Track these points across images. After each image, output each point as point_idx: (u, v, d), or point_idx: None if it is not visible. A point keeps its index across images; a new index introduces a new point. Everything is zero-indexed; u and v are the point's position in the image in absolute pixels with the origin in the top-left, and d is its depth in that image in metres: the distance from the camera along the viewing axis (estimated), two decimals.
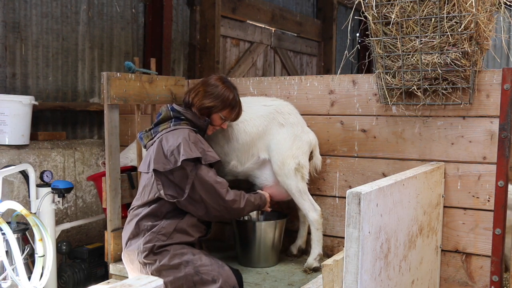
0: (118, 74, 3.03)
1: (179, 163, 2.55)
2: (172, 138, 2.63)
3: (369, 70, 4.65)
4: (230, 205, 2.69)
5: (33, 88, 4.15)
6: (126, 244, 2.69)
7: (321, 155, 3.17)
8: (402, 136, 2.97)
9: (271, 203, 3.06)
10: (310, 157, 3.10)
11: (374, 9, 2.67)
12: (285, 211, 3.35)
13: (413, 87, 2.74)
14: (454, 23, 2.55)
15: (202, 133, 2.83)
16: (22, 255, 2.89)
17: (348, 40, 3.11)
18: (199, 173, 2.61)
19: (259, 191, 3.03)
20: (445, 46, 2.59)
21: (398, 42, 2.68)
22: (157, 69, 5.02)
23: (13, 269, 2.79)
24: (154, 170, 2.61)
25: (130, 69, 3.11)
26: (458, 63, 2.59)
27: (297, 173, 2.97)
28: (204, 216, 2.69)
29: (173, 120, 2.76)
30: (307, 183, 3.04)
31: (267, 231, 3.07)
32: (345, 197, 1.75)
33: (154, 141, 2.71)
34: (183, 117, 2.77)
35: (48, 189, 3.35)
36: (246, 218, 3.30)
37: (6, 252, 2.82)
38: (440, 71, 2.63)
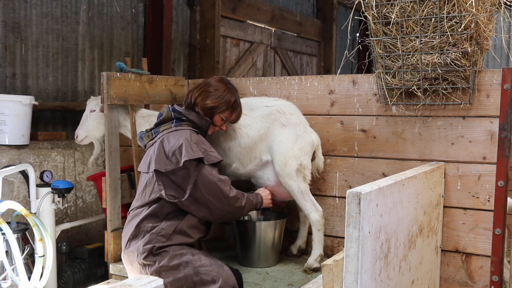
0: (118, 74, 3.03)
1: (181, 164, 2.55)
2: (174, 139, 2.63)
3: (369, 70, 4.66)
4: (233, 203, 2.68)
5: (33, 88, 4.16)
6: (126, 245, 2.69)
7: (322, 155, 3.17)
8: (402, 136, 2.97)
9: (275, 203, 3.06)
10: (313, 158, 3.10)
11: (374, 9, 2.67)
12: (285, 211, 3.35)
13: (413, 87, 2.74)
14: (454, 23, 2.54)
15: (203, 133, 2.83)
16: (22, 255, 2.89)
17: (348, 40, 3.11)
18: (202, 172, 2.61)
19: (258, 190, 3.03)
20: (445, 46, 2.59)
21: (398, 42, 2.68)
22: (157, 69, 5.06)
23: (13, 269, 2.79)
24: (155, 170, 2.61)
25: (122, 70, 3.11)
26: (458, 63, 2.59)
27: (299, 174, 2.97)
28: (207, 215, 2.68)
29: (174, 121, 2.76)
30: (309, 184, 3.04)
31: (267, 231, 3.07)
32: (345, 197, 1.75)
33: (155, 141, 2.71)
34: (184, 118, 2.77)
35: (48, 189, 3.35)
36: (246, 218, 3.30)
37: (6, 252, 2.82)
38: (440, 71, 2.63)
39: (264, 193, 2.98)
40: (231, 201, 2.67)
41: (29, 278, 2.83)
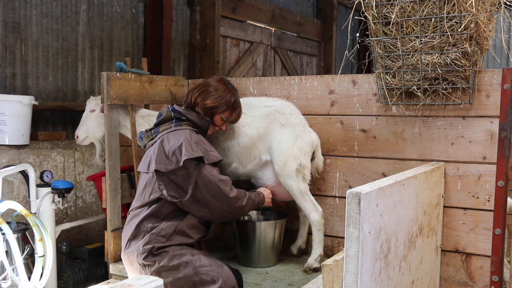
0: (118, 74, 3.04)
1: (181, 163, 2.55)
2: (174, 139, 2.63)
3: (369, 70, 4.66)
4: (233, 203, 2.68)
5: (33, 88, 4.16)
6: (126, 245, 2.69)
7: (321, 155, 3.17)
8: (402, 136, 2.97)
9: (274, 203, 3.06)
10: (312, 158, 3.10)
11: (374, 9, 2.67)
12: (285, 211, 3.35)
13: (413, 87, 2.74)
14: (454, 23, 2.54)
15: (203, 133, 2.83)
16: (22, 255, 2.89)
17: (348, 40, 3.11)
18: (202, 172, 2.61)
19: (259, 189, 3.04)
20: (445, 46, 2.59)
21: (398, 42, 2.68)
22: (157, 69, 5.06)
23: (13, 269, 2.79)
24: (155, 170, 2.61)
25: (122, 70, 3.11)
26: (458, 63, 2.59)
27: (298, 174, 2.97)
28: (207, 215, 2.68)
29: (174, 120, 2.76)
30: (308, 184, 3.04)
31: (267, 231, 3.07)
32: (345, 197, 1.75)
33: (155, 142, 2.71)
34: (184, 118, 2.77)
35: (48, 189, 3.35)
36: (246, 218, 3.30)
37: (6, 252, 2.82)
38: (440, 71, 2.63)
39: (265, 192, 2.98)
40: (231, 201, 2.67)
41: (29, 278, 2.83)
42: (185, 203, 2.62)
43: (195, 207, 2.64)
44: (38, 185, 3.36)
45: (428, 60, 2.63)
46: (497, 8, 2.66)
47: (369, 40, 2.78)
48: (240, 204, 2.72)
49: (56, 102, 4.31)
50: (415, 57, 2.65)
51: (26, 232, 3.17)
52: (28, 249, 3.09)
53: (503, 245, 2.48)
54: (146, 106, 3.42)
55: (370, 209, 1.75)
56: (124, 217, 2.99)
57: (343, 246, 1.79)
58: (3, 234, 2.72)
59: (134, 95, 3.13)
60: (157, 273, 2.56)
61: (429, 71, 2.65)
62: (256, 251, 3.09)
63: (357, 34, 3.11)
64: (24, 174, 3.35)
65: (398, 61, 2.72)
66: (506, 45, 2.64)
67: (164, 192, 2.61)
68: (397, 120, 2.98)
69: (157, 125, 2.80)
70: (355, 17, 2.76)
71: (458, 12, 2.51)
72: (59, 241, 3.57)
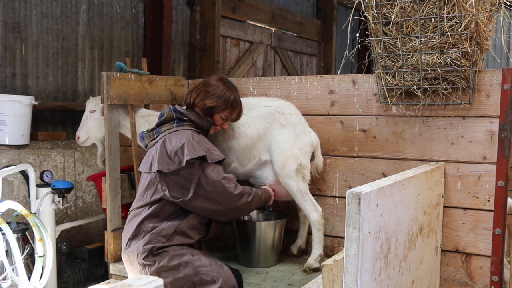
0: (118, 74, 3.04)
1: (183, 164, 2.55)
2: (176, 139, 2.63)
3: (369, 70, 4.66)
4: (238, 199, 2.68)
5: (33, 88, 4.16)
6: (126, 245, 2.69)
7: (321, 155, 3.17)
8: (402, 136, 2.97)
9: (274, 202, 3.06)
10: (312, 158, 3.10)
11: (374, 9, 2.67)
12: (285, 211, 3.35)
13: (413, 87, 2.74)
14: (454, 23, 2.55)
15: (205, 133, 2.83)
16: (22, 255, 2.89)
17: (348, 40, 3.11)
18: (206, 171, 2.60)
19: (262, 186, 3.04)
20: (445, 46, 2.59)
21: (398, 42, 2.68)
22: (157, 69, 5.06)
23: (13, 269, 2.79)
24: (158, 171, 2.61)
25: (122, 70, 3.11)
26: (458, 63, 2.59)
27: (298, 173, 2.97)
28: (212, 214, 2.68)
29: (175, 121, 2.76)
30: (308, 184, 3.04)
31: (267, 231, 3.07)
32: (345, 197, 1.75)
33: (156, 142, 2.71)
34: (185, 118, 2.77)
35: (48, 189, 3.35)
36: (246, 218, 3.30)
37: (6, 252, 2.82)
38: (440, 71, 2.63)
39: (269, 189, 2.99)
40: (235, 198, 2.67)
41: (29, 278, 2.83)
42: (187, 203, 2.62)
43: (199, 206, 2.64)
44: (38, 185, 3.36)
45: (428, 60, 2.63)
46: (497, 8, 2.66)
47: (369, 40, 2.78)
48: (245, 201, 2.72)
49: (56, 102, 4.31)
50: (415, 57, 2.65)
51: (26, 232, 3.17)
52: (28, 249, 3.09)
53: (503, 245, 2.48)
54: (146, 106, 3.42)
55: (370, 209, 1.75)
56: (124, 217, 2.99)
57: (343, 246, 1.79)
58: (3, 234, 2.72)
59: (134, 95, 3.13)
60: (157, 273, 2.56)
61: (429, 71, 2.65)
62: (256, 251, 3.09)
63: (357, 34, 3.11)
64: (24, 174, 3.35)
65: (398, 61, 2.72)
66: (506, 45, 2.64)
67: (167, 192, 2.61)
68: (397, 120, 2.98)
69: (158, 125, 2.79)
70: (355, 17, 2.76)
71: (458, 12, 2.51)
72: (59, 241, 3.57)
